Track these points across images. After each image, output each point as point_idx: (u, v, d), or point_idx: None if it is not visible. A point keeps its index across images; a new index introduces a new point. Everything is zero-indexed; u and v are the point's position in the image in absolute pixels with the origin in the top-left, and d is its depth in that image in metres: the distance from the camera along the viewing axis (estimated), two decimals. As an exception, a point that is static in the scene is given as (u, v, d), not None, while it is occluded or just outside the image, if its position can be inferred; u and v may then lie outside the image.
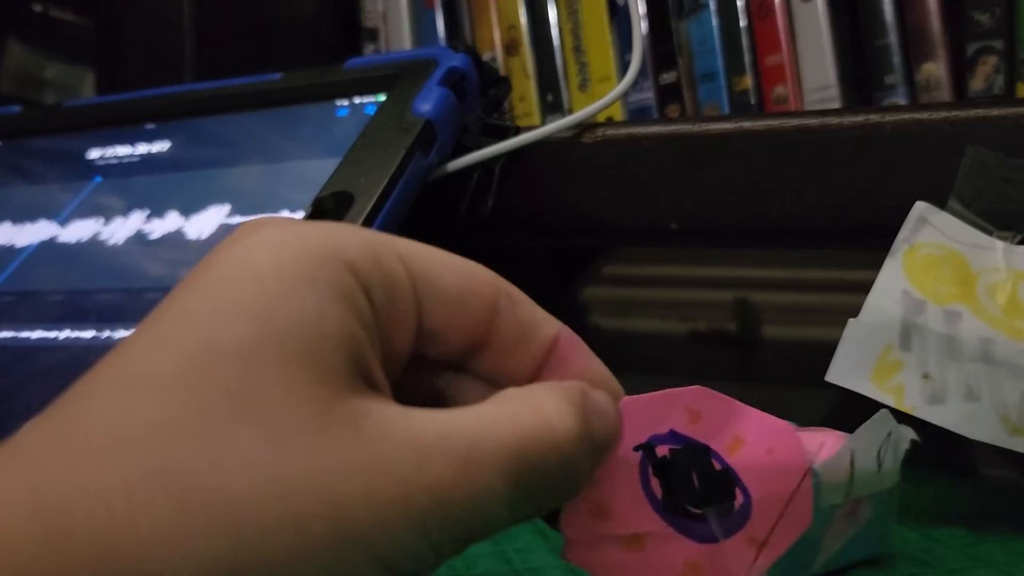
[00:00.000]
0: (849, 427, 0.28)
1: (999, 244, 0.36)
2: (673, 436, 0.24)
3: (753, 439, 0.24)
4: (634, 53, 0.47)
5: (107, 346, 0.19)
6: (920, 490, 0.40)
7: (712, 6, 0.58)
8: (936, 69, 0.52)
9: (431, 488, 0.18)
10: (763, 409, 0.24)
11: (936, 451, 0.33)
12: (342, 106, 0.46)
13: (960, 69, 0.51)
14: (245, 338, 0.18)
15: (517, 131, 0.45)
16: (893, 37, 0.53)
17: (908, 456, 0.31)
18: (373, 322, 0.20)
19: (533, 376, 0.23)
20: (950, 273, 0.35)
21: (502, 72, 0.64)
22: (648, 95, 0.61)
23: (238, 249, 0.20)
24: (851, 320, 0.35)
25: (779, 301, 0.67)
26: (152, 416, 0.17)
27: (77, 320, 0.42)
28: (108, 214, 0.47)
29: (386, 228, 0.39)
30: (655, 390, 0.24)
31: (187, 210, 0.45)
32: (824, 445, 0.28)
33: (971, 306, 0.35)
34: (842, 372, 0.34)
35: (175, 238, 0.44)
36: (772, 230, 0.42)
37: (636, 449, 0.24)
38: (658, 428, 0.24)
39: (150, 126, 0.51)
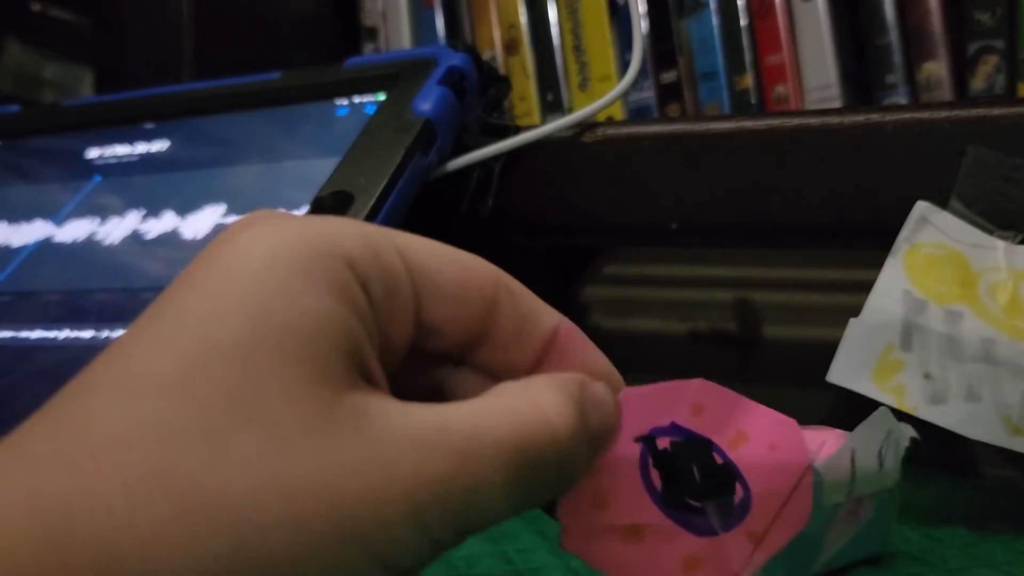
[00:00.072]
0: (850, 427, 0.28)
1: (1000, 244, 0.36)
2: (675, 429, 0.24)
3: (756, 434, 0.24)
4: (634, 52, 0.46)
5: (106, 346, 0.19)
6: (921, 490, 0.40)
7: (712, 5, 0.58)
8: (937, 68, 0.51)
9: (430, 484, 0.18)
10: (764, 409, 0.24)
11: (937, 451, 0.33)
12: (341, 105, 0.46)
13: (961, 68, 0.51)
14: (245, 338, 0.18)
15: (517, 130, 0.45)
16: (894, 36, 0.53)
17: (909, 455, 0.31)
18: (371, 317, 0.20)
19: (533, 368, 0.23)
20: (951, 273, 0.35)
21: (502, 71, 0.64)
22: (648, 94, 0.61)
23: (235, 246, 0.20)
24: (852, 320, 0.35)
25: (779, 301, 0.67)
26: (153, 417, 0.17)
27: (76, 320, 0.42)
28: (107, 213, 0.47)
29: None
30: None
31: (184, 210, 0.45)
32: (825, 444, 0.28)
33: (972, 306, 0.34)
34: (843, 372, 0.34)
35: (172, 238, 0.44)
36: (773, 230, 0.42)
37: (637, 441, 0.24)
38: (660, 420, 0.24)
39: (149, 125, 0.51)
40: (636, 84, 0.61)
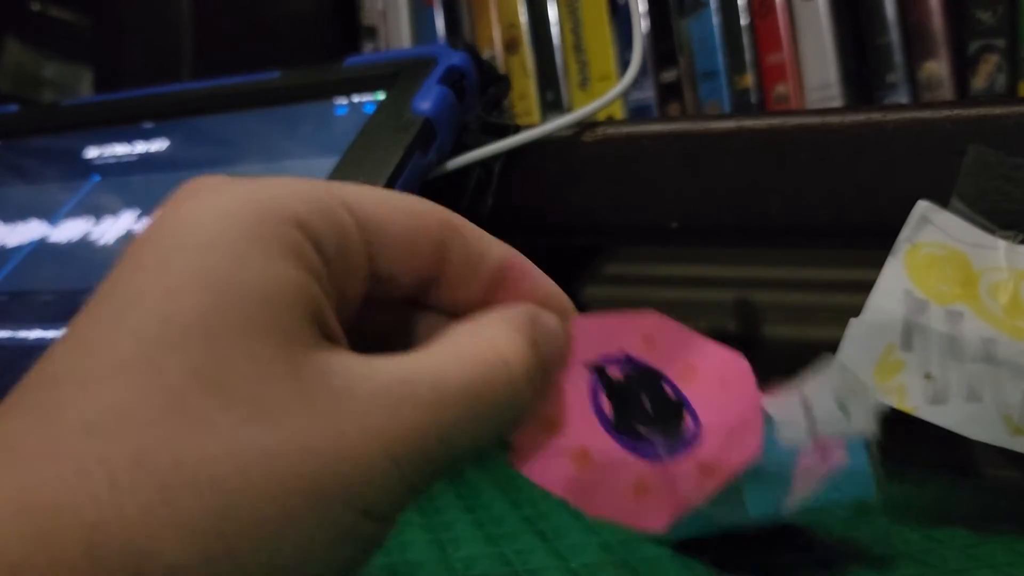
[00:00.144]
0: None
1: (1001, 243, 0.36)
2: (627, 360, 0.24)
3: (706, 368, 0.24)
4: (634, 51, 0.46)
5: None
6: (921, 490, 0.40)
7: (713, 4, 0.58)
8: (938, 67, 0.51)
9: (404, 436, 0.19)
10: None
11: (937, 451, 0.33)
12: (341, 104, 0.46)
13: (962, 67, 0.51)
14: (205, 312, 0.18)
15: (517, 129, 0.45)
16: (895, 35, 0.53)
17: (908, 454, 0.30)
18: (326, 275, 0.20)
19: (486, 301, 0.24)
20: (952, 273, 0.35)
21: (502, 70, 0.64)
22: (649, 94, 0.61)
23: (181, 219, 0.20)
24: (852, 320, 0.34)
25: (780, 301, 0.66)
26: (125, 401, 0.17)
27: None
28: (105, 213, 0.47)
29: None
30: None
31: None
32: (777, 392, 0.28)
33: (973, 306, 0.34)
34: (843, 372, 0.34)
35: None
36: (773, 229, 0.42)
37: (588, 368, 0.24)
38: (610, 349, 0.24)
39: (148, 125, 0.51)
40: (636, 83, 0.60)
